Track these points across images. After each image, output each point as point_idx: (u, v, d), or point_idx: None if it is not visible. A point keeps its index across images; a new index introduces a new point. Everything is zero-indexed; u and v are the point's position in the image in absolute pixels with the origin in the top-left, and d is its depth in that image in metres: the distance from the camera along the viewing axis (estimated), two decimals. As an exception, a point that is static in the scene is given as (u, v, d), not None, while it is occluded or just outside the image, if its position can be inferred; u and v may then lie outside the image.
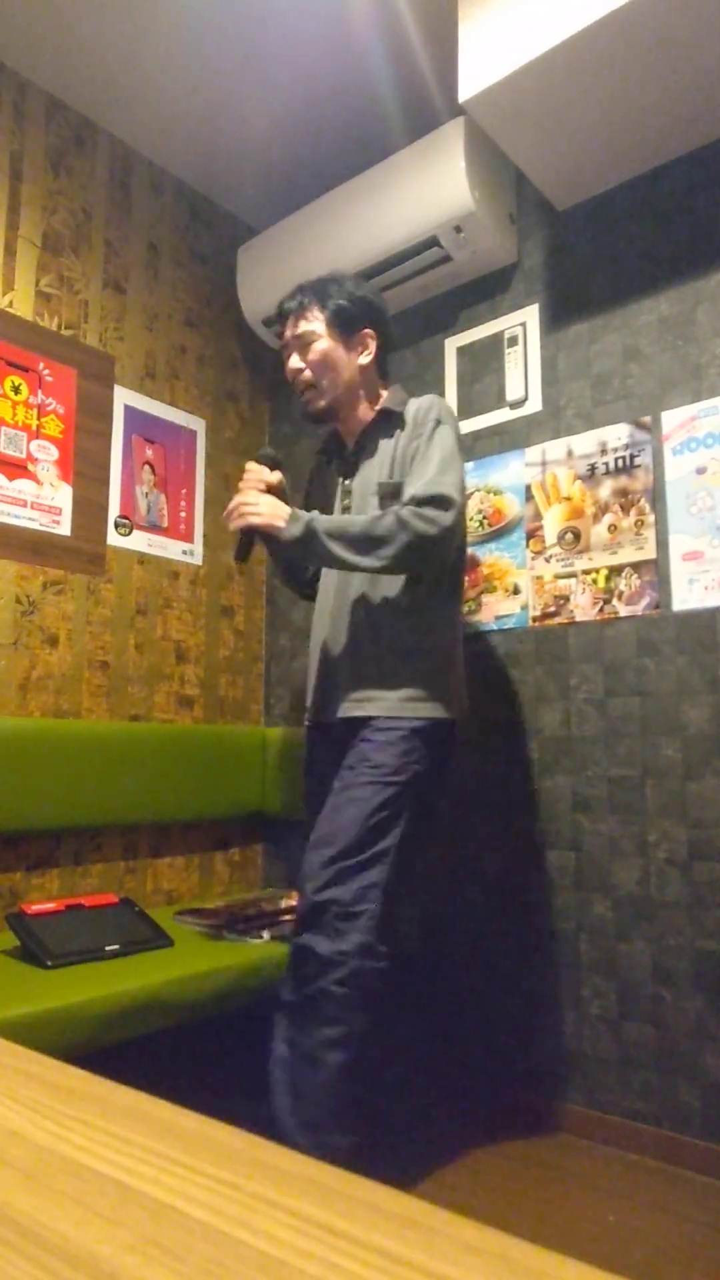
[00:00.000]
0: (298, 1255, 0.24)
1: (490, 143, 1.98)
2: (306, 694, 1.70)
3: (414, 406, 1.63)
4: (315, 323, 1.62)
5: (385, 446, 1.62)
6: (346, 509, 1.64)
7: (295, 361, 1.64)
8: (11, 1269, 0.24)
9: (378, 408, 1.66)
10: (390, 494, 1.57)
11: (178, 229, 2.43)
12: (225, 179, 2.46)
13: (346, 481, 1.67)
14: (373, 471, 1.62)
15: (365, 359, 1.65)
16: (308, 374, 1.62)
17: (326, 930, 1.36)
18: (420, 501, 1.45)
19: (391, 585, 1.56)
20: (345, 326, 1.62)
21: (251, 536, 1.49)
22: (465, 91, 1.68)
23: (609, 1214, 1.46)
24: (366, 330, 1.65)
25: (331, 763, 1.57)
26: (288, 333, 1.65)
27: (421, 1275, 0.23)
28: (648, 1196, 1.52)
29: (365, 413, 1.67)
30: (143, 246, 2.32)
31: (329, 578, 1.67)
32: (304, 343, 1.62)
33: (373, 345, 1.66)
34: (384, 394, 1.69)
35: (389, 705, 1.50)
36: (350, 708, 1.54)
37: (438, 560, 1.50)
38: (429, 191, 1.99)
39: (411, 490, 1.49)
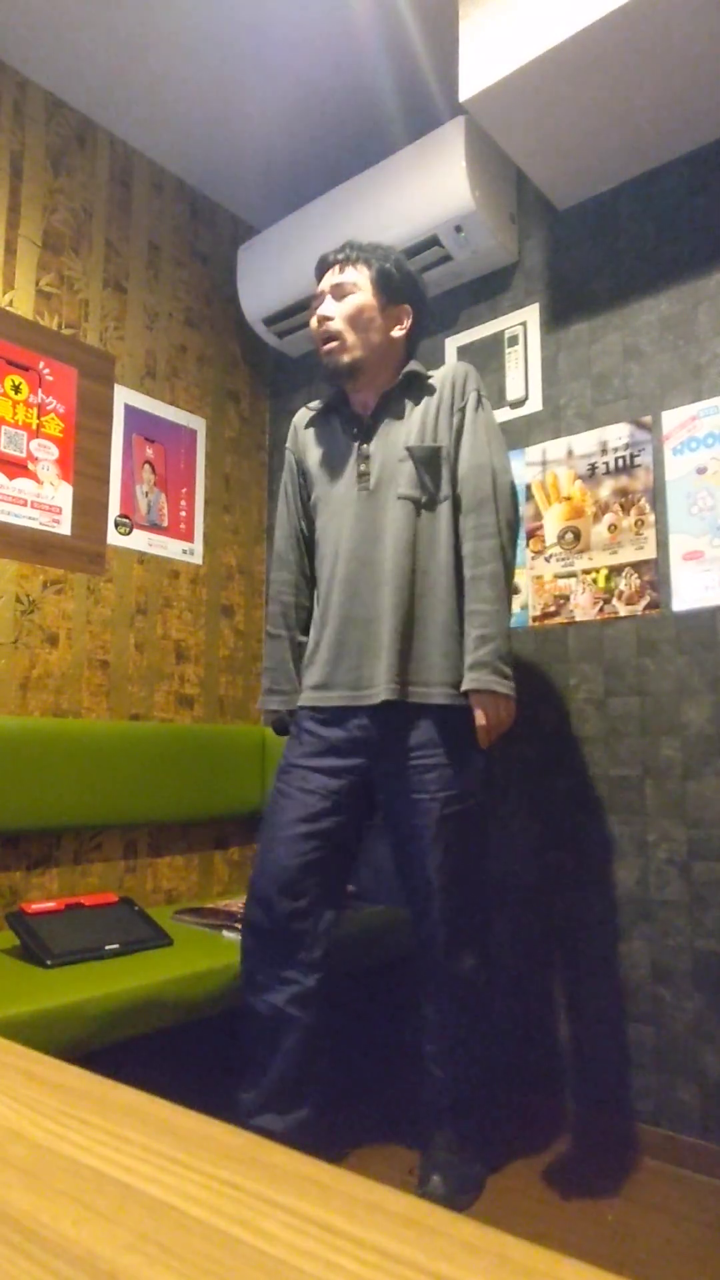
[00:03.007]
0: (296, 1254, 0.24)
1: (491, 142, 1.98)
2: (316, 667, 1.57)
3: (445, 372, 1.59)
4: (359, 276, 1.55)
5: (414, 411, 1.56)
6: (364, 474, 1.56)
7: (326, 308, 1.55)
8: (11, 1268, 0.24)
9: (403, 371, 1.60)
10: (423, 459, 1.52)
11: (178, 228, 2.43)
12: (226, 178, 2.46)
13: (364, 446, 1.58)
14: (398, 435, 1.56)
15: (398, 332, 1.58)
16: (335, 323, 1.53)
17: None
18: (477, 507, 1.50)
19: (434, 559, 1.52)
20: (387, 292, 1.56)
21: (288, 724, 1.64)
22: (466, 91, 1.68)
23: (609, 1214, 1.46)
24: (406, 305, 1.59)
25: (359, 752, 1.52)
26: (325, 282, 1.58)
27: (421, 1274, 0.23)
28: (648, 1196, 1.52)
29: (386, 385, 1.60)
30: (143, 245, 2.32)
31: (347, 545, 1.56)
32: (341, 292, 1.55)
33: (408, 322, 1.59)
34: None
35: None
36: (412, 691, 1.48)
37: (516, 516, 1.58)
38: (429, 191, 1.99)
39: (470, 480, 1.51)
